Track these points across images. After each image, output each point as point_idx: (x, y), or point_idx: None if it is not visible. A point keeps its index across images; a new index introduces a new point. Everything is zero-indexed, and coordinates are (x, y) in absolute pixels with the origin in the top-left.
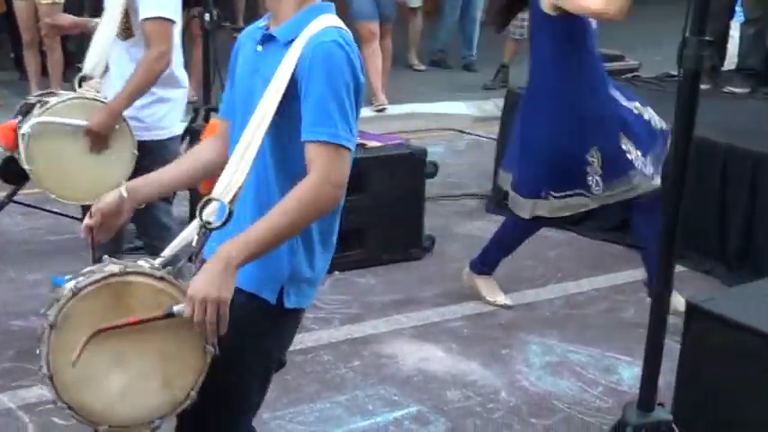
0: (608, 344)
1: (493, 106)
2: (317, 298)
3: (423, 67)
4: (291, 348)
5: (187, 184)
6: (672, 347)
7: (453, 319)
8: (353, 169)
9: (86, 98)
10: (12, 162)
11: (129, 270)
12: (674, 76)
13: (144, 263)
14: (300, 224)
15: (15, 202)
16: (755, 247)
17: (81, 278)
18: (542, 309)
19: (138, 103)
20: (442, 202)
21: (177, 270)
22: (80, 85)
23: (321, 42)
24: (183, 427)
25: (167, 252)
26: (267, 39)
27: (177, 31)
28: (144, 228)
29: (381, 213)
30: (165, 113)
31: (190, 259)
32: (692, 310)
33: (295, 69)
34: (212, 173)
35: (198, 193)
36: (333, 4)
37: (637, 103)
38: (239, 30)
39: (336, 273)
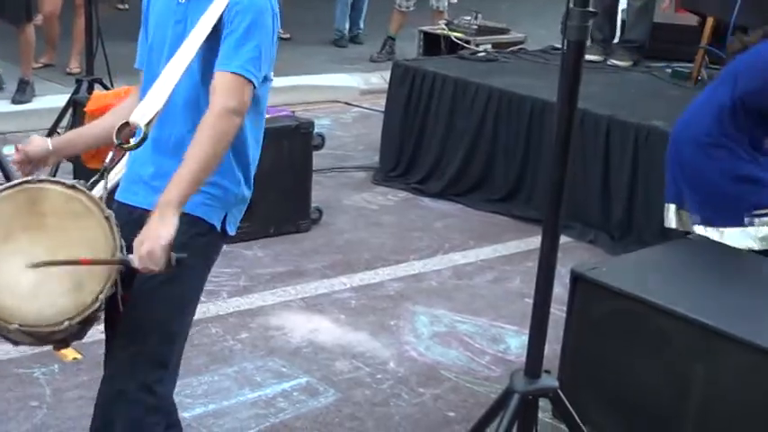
0: (495, 313)
1: (379, 78)
2: None
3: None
4: None
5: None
6: (557, 317)
7: (341, 290)
8: None
9: None
10: None
11: (42, 178)
12: (558, 48)
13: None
14: (217, 155)
15: None
16: (638, 216)
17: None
18: (430, 279)
19: None
20: (330, 174)
21: (90, 185)
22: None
23: None
24: (115, 341)
25: None
26: None
27: None
28: None
29: (268, 185)
30: None
31: (102, 175)
32: (577, 279)
33: (222, 14)
34: None
35: (82, 166)
36: None
37: None
38: (122, 1)
39: (224, 245)
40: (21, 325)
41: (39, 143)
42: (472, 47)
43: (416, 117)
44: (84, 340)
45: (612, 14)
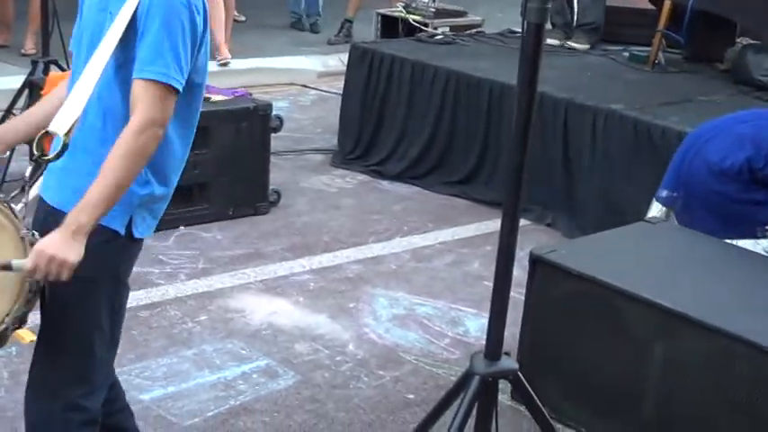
0: (454, 296)
1: (337, 61)
2: (161, 253)
3: (243, 18)
4: (137, 303)
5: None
6: (516, 299)
7: (300, 272)
8: (199, 123)
9: None
10: None
11: None
12: (516, 32)
13: None
14: (134, 171)
15: None
16: (596, 200)
17: None
18: (389, 262)
19: None
20: (288, 157)
21: (9, 198)
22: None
23: None
24: (34, 356)
25: None
26: None
27: None
28: None
29: (226, 167)
30: None
31: (22, 189)
32: (536, 262)
33: (137, 7)
34: None
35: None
36: None
37: None
38: None
39: (182, 228)
40: None
41: None
42: (430, 30)
43: (375, 100)
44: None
45: None
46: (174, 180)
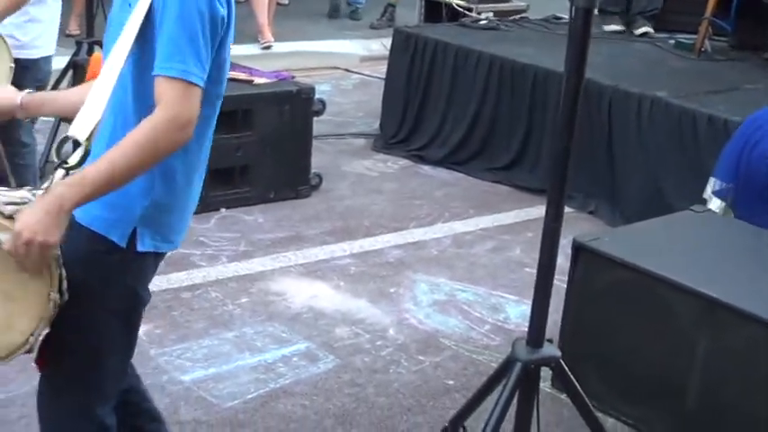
0: (495, 282)
1: (380, 45)
2: (202, 235)
3: (286, 2)
4: (178, 285)
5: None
6: (558, 287)
7: (341, 256)
8: (241, 105)
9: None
10: None
11: None
12: (561, 18)
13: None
14: (141, 166)
15: None
16: (641, 188)
17: None
18: (430, 247)
19: (11, 21)
20: (330, 141)
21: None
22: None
23: None
24: (46, 371)
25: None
26: None
27: None
28: (3, 142)
29: (269, 150)
30: (39, 34)
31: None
32: (579, 249)
33: (152, 2)
34: None
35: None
36: None
37: None
38: None
39: (223, 210)
40: None
41: (6, 95)
42: (474, 14)
43: (418, 84)
44: None
45: None
46: (189, 188)
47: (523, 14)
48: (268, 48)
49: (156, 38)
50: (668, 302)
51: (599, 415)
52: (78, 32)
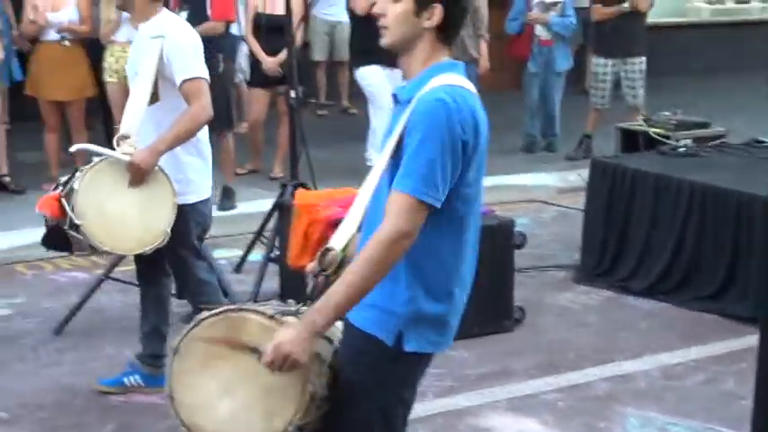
0: (708, 415)
1: (577, 177)
2: None
3: None
4: None
5: None
6: None
7: (548, 391)
8: None
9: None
10: (55, 230)
11: (244, 307)
12: (762, 141)
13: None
14: (372, 279)
15: (112, 278)
16: None
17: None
18: (638, 380)
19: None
20: (531, 274)
21: (295, 312)
22: (118, 144)
23: (425, 100)
24: None
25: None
26: (395, 98)
27: None
28: (184, 285)
29: (471, 285)
30: (193, 180)
31: (305, 303)
32: None
33: (405, 124)
34: None
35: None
36: (460, 63)
37: None
38: (323, 106)
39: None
40: None
41: None
42: (672, 142)
43: (618, 214)
44: None
45: None
46: (456, 295)
47: (723, 139)
48: None
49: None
50: None
51: None
52: (282, 175)
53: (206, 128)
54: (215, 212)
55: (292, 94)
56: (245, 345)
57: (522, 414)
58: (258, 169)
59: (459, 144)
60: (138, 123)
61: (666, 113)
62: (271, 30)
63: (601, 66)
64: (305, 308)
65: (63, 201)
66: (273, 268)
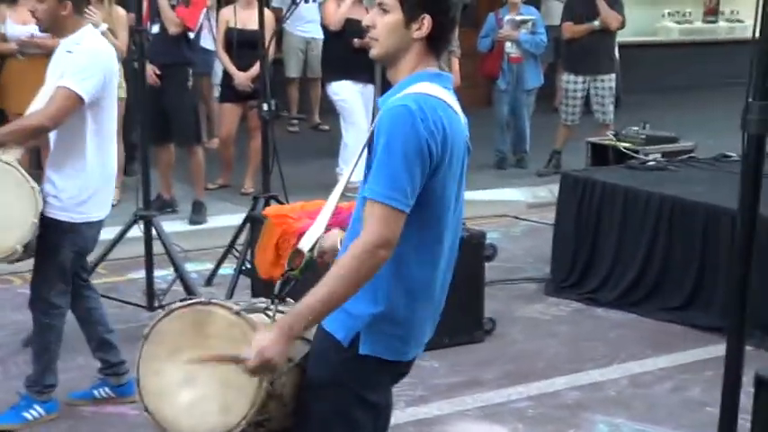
0: (676, 422)
1: (547, 192)
2: None
3: None
4: None
5: None
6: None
7: (518, 399)
8: None
9: None
10: None
11: (213, 301)
12: (729, 156)
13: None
14: (348, 289)
15: None
16: None
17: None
18: (608, 388)
19: (60, 183)
20: (501, 286)
21: (263, 309)
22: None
23: (391, 106)
24: None
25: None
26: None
27: (104, 119)
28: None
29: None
30: (83, 200)
31: (272, 302)
32: (762, 383)
33: (373, 130)
34: None
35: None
36: (447, 74)
37: None
38: (294, 121)
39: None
40: None
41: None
42: (641, 156)
43: (587, 227)
44: None
45: None
46: (418, 306)
47: (691, 154)
48: None
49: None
50: None
51: None
52: (252, 191)
53: (110, 149)
54: (186, 226)
55: (264, 107)
56: (228, 357)
57: (492, 422)
58: (229, 184)
59: (426, 150)
60: None
61: (635, 129)
62: (242, 45)
63: (571, 83)
64: (272, 306)
65: None
66: (244, 281)
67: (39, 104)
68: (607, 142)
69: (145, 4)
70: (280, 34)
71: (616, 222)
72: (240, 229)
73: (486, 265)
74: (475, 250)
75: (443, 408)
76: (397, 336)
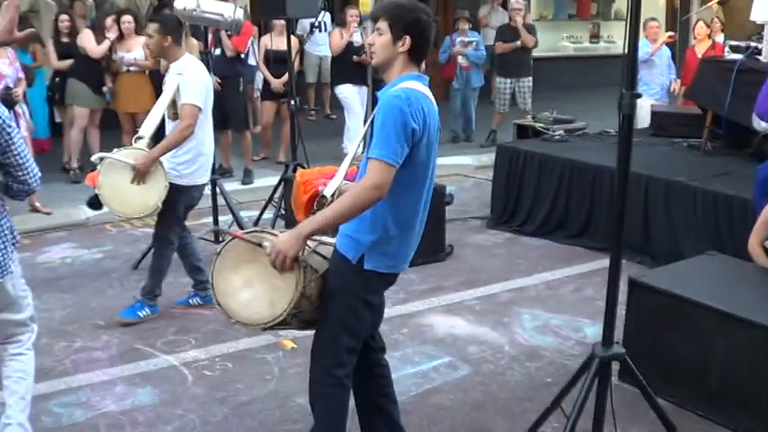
0: (576, 312)
1: (487, 158)
2: None
3: None
4: None
5: None
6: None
7: (470, 299)
8: None
9: (134, 148)
10: (95, 196)
11: (260, 229)
12: (608, 131)
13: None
14: (351, 213)
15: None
16: (670, 243)
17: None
18: (530, 291)
19: (176, 159)
20: (457, 222)
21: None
22: (135, 142)
23: (388, 95)
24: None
25: None
26: (377, 97)
27: (206, 115)
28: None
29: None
30: (193, 171)
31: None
32: (633, 284)
33: (374, 112)
34: None
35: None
36: (424, 76)
37: None
38: (312, 110)
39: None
40: (237, 322)
41: None
42: (551, 132)
43: (515, 182)
44: (298, 335)
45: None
46: (406, 234)
47: (584, 131)
48: None
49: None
50: (695, 315)
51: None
52: (284, 160)
53: (208, 135)
54: (239, 186)
55: (292, 103)
56: (258, 241)
57: (452, 314)
58: (268, 157)
59: (410, 127)
60: (153, 128)
61: (546, 113)
62: (276, 61)
63: (502, 83)
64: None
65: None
66: (280, 223)
67: (158, 109)
68: (527, 123)
69: (210, 36)
70: (302, 53)
71: (534, 178)
72: (276, 187)
73: (447, 207)
74: (439, 198)
75: (418, 306)
76: (390, 254)
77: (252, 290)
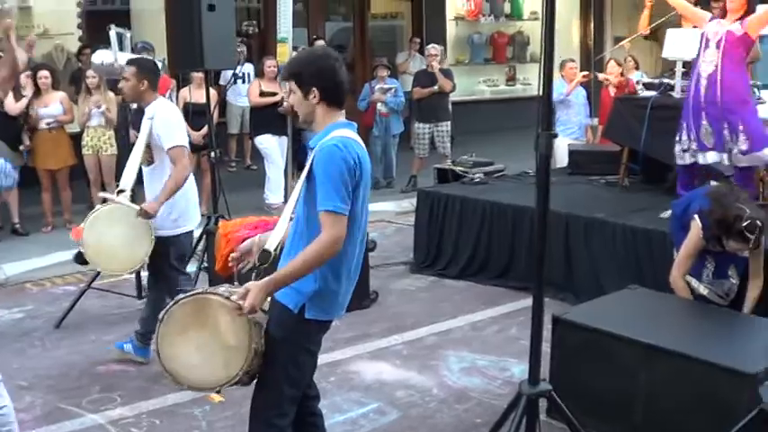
0: (501, 352)
1: (408, 204)
2: None
3: None
4: None
5: None
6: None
7: (396, 344)
8: None
9: (118, 202)
10: (81, 253)
11: (208, 290)
12: (528, 173)
13: (222, 289)
14: (311, 267)
15: (93, 288)
16: (590, 280)
17: (181, 295)
18: (456, 333)
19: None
20: (380, 268)
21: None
22: (118, 195)
23: (325, 146)
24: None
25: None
26: (308, 147)
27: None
28: (164, 287)
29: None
30: (177, 217)
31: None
32: (556, 321)
33: (311, 164)
34: None
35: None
36: (353, 123)
37: None
38: (233, 162)
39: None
40: (189, 387)
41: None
42: (470, 175)
43: (436, 226)
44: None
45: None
46: (342, 282)
47: (503, 173)
48: None
49: (316, 187)
50: (619, 349)
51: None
52: (206, 212)
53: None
54: None
55: (212, 154)
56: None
57: (379, 361)
58: None
59: (351, 173)
60: (132, 180)
61: (466, 157)
62: (195, 113)
63: (421, 128)
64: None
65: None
66: (204, 276)
67: (134, 159)
68: (447, 167)
69: None
70: (223, 104)
71: (455, 221)
72: (199, 239)
73: (370, 254)
74: None
75: (345, 353)
76: (330, 302)
77: (201, 352)
